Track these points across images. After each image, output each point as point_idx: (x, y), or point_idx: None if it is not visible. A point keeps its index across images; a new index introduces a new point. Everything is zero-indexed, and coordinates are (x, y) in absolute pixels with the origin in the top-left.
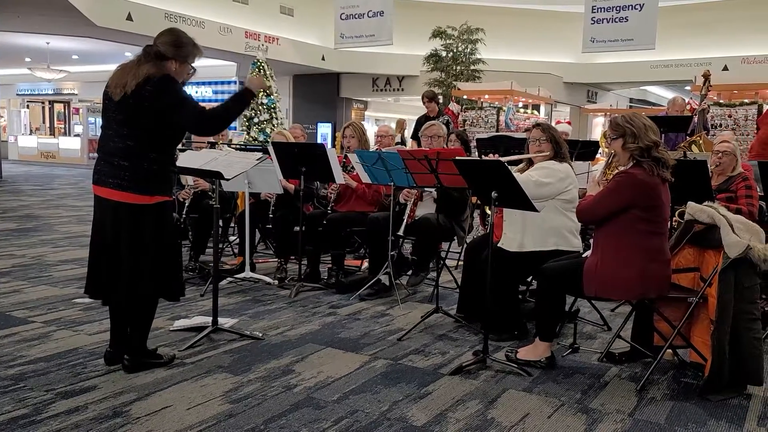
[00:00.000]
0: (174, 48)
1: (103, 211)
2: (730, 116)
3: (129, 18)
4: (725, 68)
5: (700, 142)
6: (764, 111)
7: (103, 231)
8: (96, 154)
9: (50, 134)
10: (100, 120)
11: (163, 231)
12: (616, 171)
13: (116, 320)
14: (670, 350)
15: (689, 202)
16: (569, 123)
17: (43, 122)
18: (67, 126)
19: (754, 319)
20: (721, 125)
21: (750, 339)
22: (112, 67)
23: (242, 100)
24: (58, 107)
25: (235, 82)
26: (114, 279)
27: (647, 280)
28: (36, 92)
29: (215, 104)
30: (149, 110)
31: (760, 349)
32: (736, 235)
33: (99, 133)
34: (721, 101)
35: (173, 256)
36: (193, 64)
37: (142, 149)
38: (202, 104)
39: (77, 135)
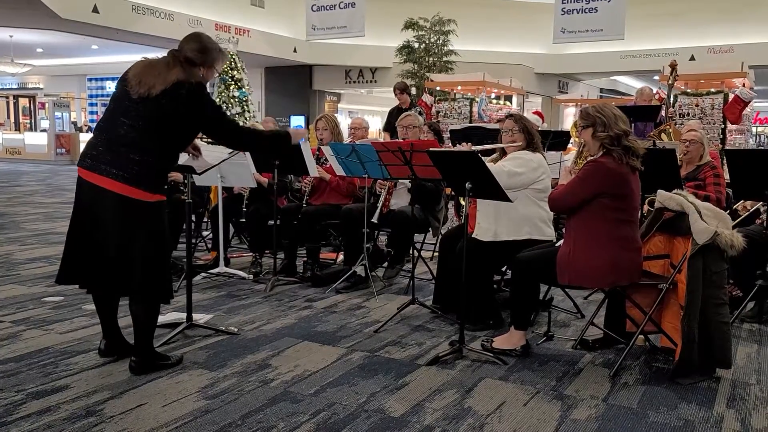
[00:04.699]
0: (201, 54)
1: (97, 200)
2: (697, 105)
3: (95, 10)
4: (692, 58)
5: (670, 131)
6: (729, 100)
7: (95, 221)
8: (61, 148)
9: (15, 130)
10: (107, 106)
11: (162, 230)
12: (587, 160)
13: (104, 311)
14: (641, 336)
15: (659, 190)
16: (537, 113)
17: (8, 117)
18: (32, 121)
19: (722, 304)
20: (688, 114)
21: (718, 323)
22: (78, 60)
23: (279, 142)
24: (23, 102)
25: None
26: (105, 271)
27: (619, 268)
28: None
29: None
30: (182, 116)
31: (728, 333)
32: (704, 222)
33: (68, 128)
34: (688, 90)
35: (167, 257)
36: (218, 68)
37: (157, 147)
38: None
39: (44, 130)
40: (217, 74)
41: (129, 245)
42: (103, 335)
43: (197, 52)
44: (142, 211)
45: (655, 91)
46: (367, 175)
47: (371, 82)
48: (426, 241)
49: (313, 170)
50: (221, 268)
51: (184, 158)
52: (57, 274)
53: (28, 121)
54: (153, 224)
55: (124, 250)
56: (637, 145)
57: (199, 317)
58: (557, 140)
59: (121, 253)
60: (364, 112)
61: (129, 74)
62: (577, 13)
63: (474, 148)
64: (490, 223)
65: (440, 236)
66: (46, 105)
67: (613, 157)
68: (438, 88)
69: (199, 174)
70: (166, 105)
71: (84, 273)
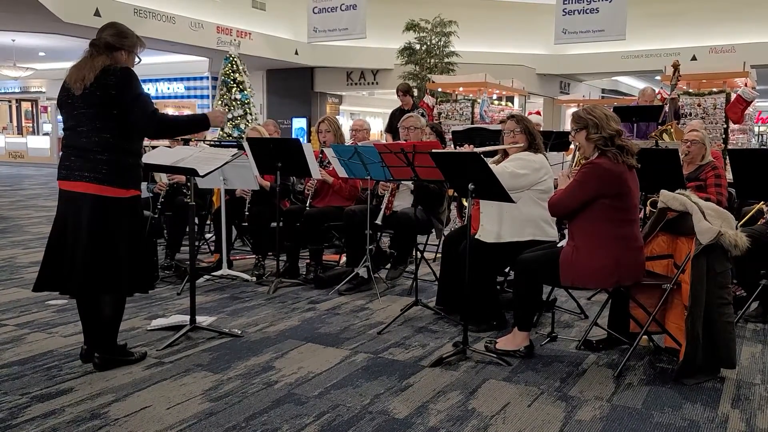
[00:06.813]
0: (120, 38)
1: (73, 205)
2: (699, 105)
3: (97, 14)
4: (694, 58)
5: (671, 130)
6: (731, 99)
7: (71, 225)
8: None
9: (18, 133)
10: (62, 119)
11: (139, 223)
12: (582, 162)
13: (87, 316)
14: (645, 336)
15: (662, 191)
16: (539, 113)
17: (11, 121)
18: (35, 125)
19: (726, 303)
20: (690, 114)
21: (722, 323)
22: None
23: (197, 125)
24: (26, 106)
25: (207, 78)
26: (87, 274)
27: (621, 267)
28: (2, 91)
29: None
30: (116, 100)
31: (733, 333)
32: (707, 221)
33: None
34: (690, 90)
35: (147, 248)
36: (139, 55)
37: (119, 141)
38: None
39: (46, 134)
40: (138, 61)
41: (105, 242)
42: (84, 341)
43: (115, 36)
44: (116, 208)
45: (657, 91)
46: (369, 177)
47: (373, 83)
48: (429, 243)
49: (316, 172)
50: (224, 271)
51: (181, 156)
52: (34, 283)
53: (31, 124)
54: (129, 219)
55: (100, 247)
56: (631, 143)
57: (203, 319)
58: (559, 141)
59: (95, 251)
60: (366, 114)
61: (66, 81)
62: (578, 13)
63: (476, 149)
64: (493, 224)
65: (443, 237)
66: (49, 109)
67: (608, 157)
68: (440, 90)
69: (203, 176)
70: (101, 93)
71: (61, 277)
